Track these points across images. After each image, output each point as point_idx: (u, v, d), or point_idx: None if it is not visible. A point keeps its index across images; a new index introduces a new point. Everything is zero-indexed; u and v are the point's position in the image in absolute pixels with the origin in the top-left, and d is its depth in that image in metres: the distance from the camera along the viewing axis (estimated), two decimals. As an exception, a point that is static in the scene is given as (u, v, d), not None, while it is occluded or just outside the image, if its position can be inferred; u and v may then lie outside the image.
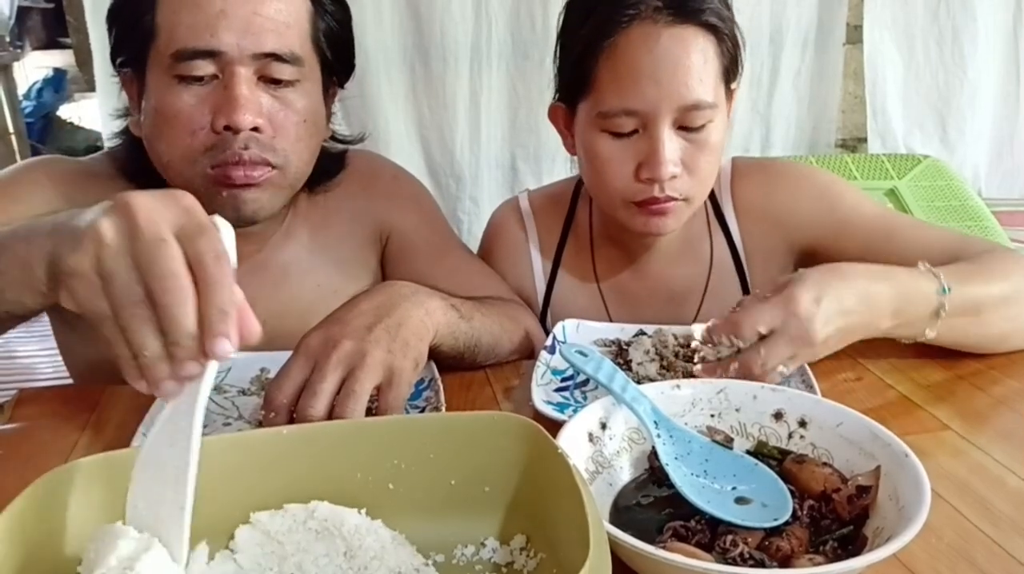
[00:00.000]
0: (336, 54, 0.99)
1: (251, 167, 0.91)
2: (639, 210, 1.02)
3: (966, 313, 0.91)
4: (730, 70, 1.02)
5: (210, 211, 0.93)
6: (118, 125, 1.03)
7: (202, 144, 0.90)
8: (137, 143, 0.98)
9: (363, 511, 0.60)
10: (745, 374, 0.79)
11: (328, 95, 1.02)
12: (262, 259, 1.07)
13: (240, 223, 0.95)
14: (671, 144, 0.98)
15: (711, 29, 0.98)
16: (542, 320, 1.18)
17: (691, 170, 1.00)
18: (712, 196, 1.16)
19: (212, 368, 0.54)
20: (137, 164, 0.99)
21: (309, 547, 0.58)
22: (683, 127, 0.98)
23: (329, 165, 1.08)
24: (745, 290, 1.17)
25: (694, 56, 0.96)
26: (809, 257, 1.14)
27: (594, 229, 1.19)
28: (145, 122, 0.94)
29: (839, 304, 0.82)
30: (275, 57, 0.90)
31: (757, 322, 0.80)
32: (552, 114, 1.12)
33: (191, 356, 0.53)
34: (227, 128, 0.89)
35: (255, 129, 0.90)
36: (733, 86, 1.05)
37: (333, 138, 1.08)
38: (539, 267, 1.20)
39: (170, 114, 0.90)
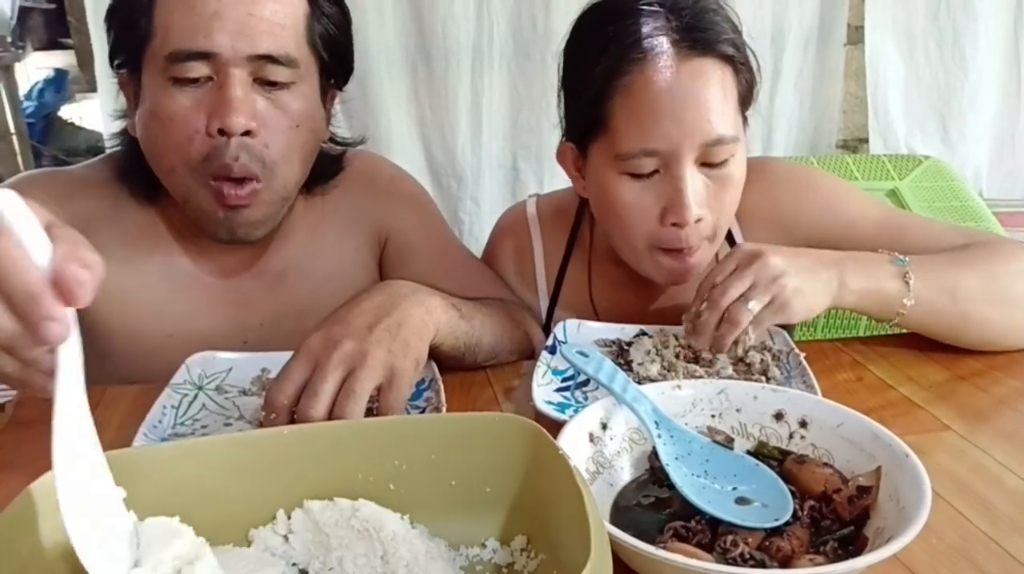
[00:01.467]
0: (334, 56, 0.99)
1: (239, 185, 0.91)
2: (664, 255, 0.98)
3: (939, 292, 0.92)
4: (746, 98, 0.99)
5: (207, 228, 0.95)
6: (118, 126, 1.03)
7: (198, 152, 0.90)
8: (135, 145, 0.97)
9: (406, 517, 0.60)
10: (730, 324, 0.85)
11: (327, 98, 1.02)
12: (258, 261, 1.07)
13: (236, 241, 0.97)
14: (695, 184, 0.94)
15: (728, 60, 0.95)
16: (545, 331, 1.16)
17: (716, 209, 0.97)
18: None
19: (64, 351, 0.50)
20: (135, 166, 0.99)
21: (351, 544, 0.58)
22: (705, 164, 0.95)
23: (327, 167, 1.08)
24: None
25: (713, 89, 0.93)
26: None
27: (594, 246, 1.16)
28: (140, 124, 0.94)
29: (785, 252, 0.88)
30: (270, 59, 0.90)
31: (732, 288, 0.85)
32: (560, 155, 1.08)
33: (34, 352, 0.51)
34: (221, 132, 0.89)
35: (248, 133, 0.90)
36: (748, 112, 1.02)
37: (333, 141, 1.08)
38: (543, 277, 1.18)
39: (165, 116, 0.90)
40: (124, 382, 0.95)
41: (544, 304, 1.18)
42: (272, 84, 0.92)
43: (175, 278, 1.03)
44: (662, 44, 0.93)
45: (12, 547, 0.50)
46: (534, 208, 1.21)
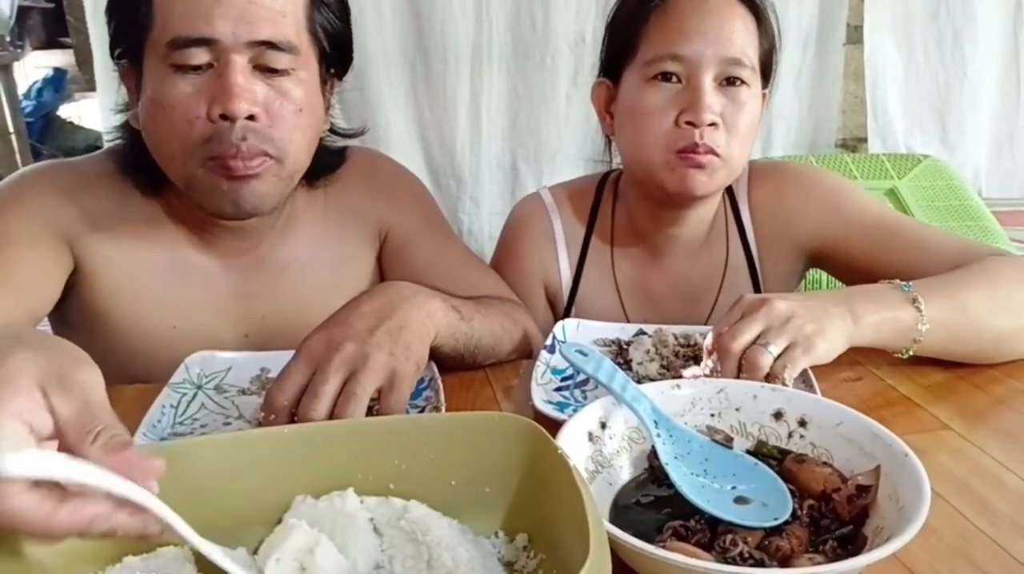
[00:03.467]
0: (334, 45, 0.99)
1: (249, 158, 0.91)
2: (679, 161, 1.03)
3: (950, 308, 0.91)
4: (766, 62, 1.08)
5: (211, 204, 0.95)
6: (118, 119, 1.03)
7: (199, 135, 0.90)
8: (137, 138, 0.98)
9: (454, 521, 0.60)
10: (751, 371, 0.80)
11: (326, 87, 1.02)
12: (261, 255, 1.07)
13: (241, 215, 0.96)
14: (712, 95, 1.02)
15: (753, 10, 1.06)
16: (567, 315, 1.19)
17: (728, 127, 1.03)
18: (731, 196, 1.19)
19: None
20: (137, 159, 0.99)
21: (401, 545, 0.58)
22: (723, 84, 1.03)
23: (328, 160, 1.08)
24: (757, 290, 1.19)
25: (738, 21, 1.04)
26: (816, 258, 1.18)
27: (616, 225, 1.20)
28: (142, 113, 0.94)
29: (791, 298, 0.86)
30: (270, 45, 0.90)
31: (741, 333, 0.82)
32: (594, 93, 1.16)
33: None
34: (223, 117, 0.89)
35: (252, 118, 0.90)
36: (765, 90, 1.09)
37: (333, 131, 1.08)
38: (565, 260, 1.21)
39: (167, 104, 0.90)
40: (127, 376, 0.95)
41: (567, 284, 1.21)
42: (273, 71, 0.91)
43: (180, 271, 1.04)
44: None
45: (13, 546, 0.50)
46: (549, 196, 1.24)
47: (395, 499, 0.60)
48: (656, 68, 1.04)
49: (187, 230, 1.04)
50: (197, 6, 0.87)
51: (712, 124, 1.02)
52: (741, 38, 1.03)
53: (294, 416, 0.73)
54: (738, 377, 0.80)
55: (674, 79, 1.04)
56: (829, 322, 0.84)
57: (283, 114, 0.92)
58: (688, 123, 1.02)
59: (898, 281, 0.92)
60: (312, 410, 0.72)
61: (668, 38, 1.04)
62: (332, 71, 1.02)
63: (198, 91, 0.89)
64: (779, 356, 0.81)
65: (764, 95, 1.10)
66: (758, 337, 0.82)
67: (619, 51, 1.10)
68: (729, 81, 1.03)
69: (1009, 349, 0.96)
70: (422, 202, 1.20)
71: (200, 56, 0.88)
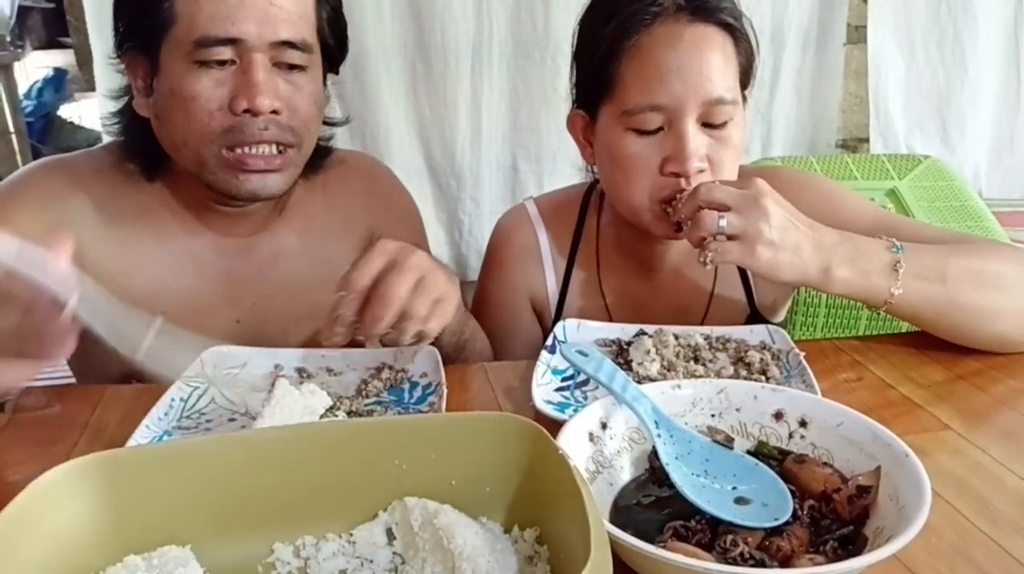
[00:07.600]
0: (336, 41, 1.04)
1: (270, 151, 0.97)
2: (665, 215, 1.01)
3: (929, 277, 0.92)
4: (746, 73, 1.04)
5: (223, 191, 0.99)
6: (115, 105, 1.06)
7: (219, 126, 0.95)
8: (136, 124, 1.01)
9: (484, 526, 0.60)
10: (694, 223, 0.90)
11: (326, 79, 1.07)
12: (254, 241, 1.10)
13: (253, 200, 1.01)
14: (697, 139, 0.98)
15: (728, 29, 1.00)
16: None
17: (715, 167, 1.00)
18: None
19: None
20: (139, 144, 1.02)
21: (433, 550, 0.58)
22: (707, 124, 0.99)
23: (318, 151, 1.11)
24: (750, 298, 1.17)
25: (716, 53, 0.98)
26: None
27: (601, 238, 1.19)
28: (158, 103, 0.98)
29: (787, 211, 0.90)
30: (290, 44, 0.96)
31: (718, 191, 0.90)
32: (570, 123, 1.12)
33: None
34: (247, 111, 0.94)
35: (274, 112, 0.95)
36: (745, 92, 1.06)
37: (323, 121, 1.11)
38: (551, 274, 1.20)
39: (188, 96, 0.95)
40: (120, 366, 0.95)
41: (554, 298, 1.20)
42: (290, 68, 0.98)
43: (171, 258, 1.06)
44: (668, 10, 0.99)
45: (13, 547, 0.50)
46: (534, 207, 1.23)
47: (430, 502, 0.60)
48: (635, 121, 0.99)
49: (180, 216, 1.07)
50: (224, 8, 0.93)
51: (699, 171, 0.99)
52: (721, 71, 0.98)
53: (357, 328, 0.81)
54: (682, 219, 0.93)
55: (655, 128, 0.99)
56: (792, 254, 0.89)
57: (300, 107, 0.99)
58: (673, 173, 0.99)
59: (893, 240, 0.93)
60: (393, 296, 0.79)
61: (646, 85, 0.98)
62: (330, 66, 1.07)
63: (220, 85, 0.95)
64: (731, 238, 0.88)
65: (745, 96, 1.06)
66: (728, 207, 0.89)
67: (593, 87, 1.04)
68: (714, 121, 0.99)
69: (991, 328, 0.96)
70: (412, 220, 1.25)
71: (224, 53, 0.94)
